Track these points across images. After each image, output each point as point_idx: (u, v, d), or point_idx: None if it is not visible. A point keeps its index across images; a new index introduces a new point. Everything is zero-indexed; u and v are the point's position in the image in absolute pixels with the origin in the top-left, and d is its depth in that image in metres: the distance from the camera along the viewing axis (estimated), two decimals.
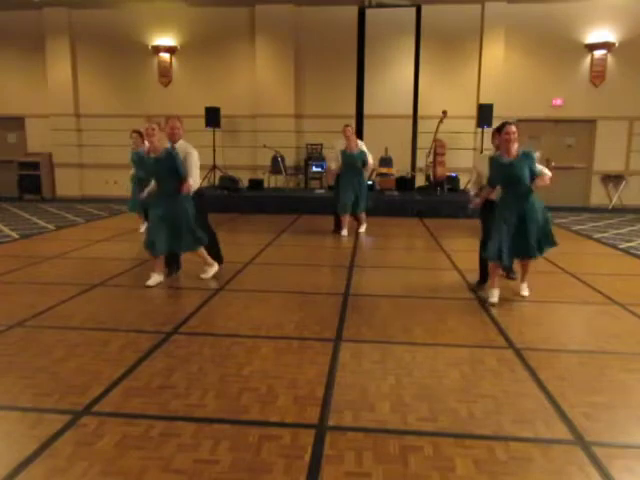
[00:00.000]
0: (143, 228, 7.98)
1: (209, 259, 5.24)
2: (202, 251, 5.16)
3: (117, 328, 3.80)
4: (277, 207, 10.19)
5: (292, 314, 4.15)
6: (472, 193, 5.09)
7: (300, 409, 2.64)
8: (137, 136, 7.51)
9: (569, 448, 2.33)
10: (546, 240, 4.47)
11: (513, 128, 4.30)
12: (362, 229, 8.13)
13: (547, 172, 4.47)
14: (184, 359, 3.24)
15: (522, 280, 4.76)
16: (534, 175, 4.34)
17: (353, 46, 11.05)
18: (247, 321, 3.98)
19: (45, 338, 3.59)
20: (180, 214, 4.88)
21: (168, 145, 4.90)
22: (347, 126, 7.86)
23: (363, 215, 8.12)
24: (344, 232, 7.86)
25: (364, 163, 7.81)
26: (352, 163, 7.71)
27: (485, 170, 4.64)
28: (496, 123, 10.92)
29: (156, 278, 4.97)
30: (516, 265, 4.90)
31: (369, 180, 8.65)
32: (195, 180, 4.92)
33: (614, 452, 2.30)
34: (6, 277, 5.26)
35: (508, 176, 4.33)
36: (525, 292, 4.71)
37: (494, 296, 4.50)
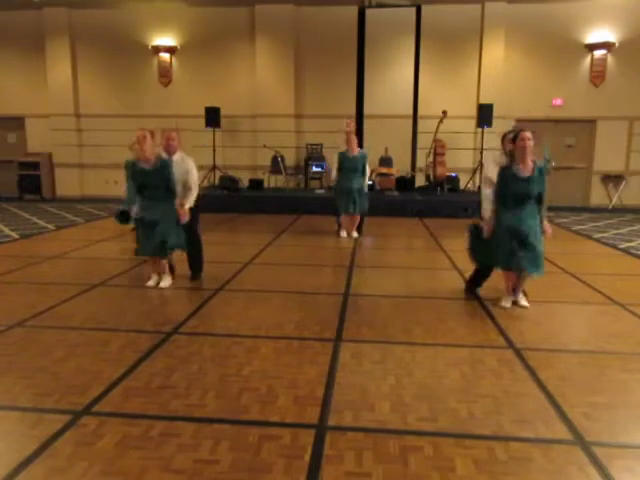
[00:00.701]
0: None
1: (168, 270, 5.04)
2: (172, 258, 5.08)
3: (117, 328, 3.80)
4: (277, 207, 10.19)
5: (292, 314, 4.15)
6: (487, 213, 4.36)
7: (300, 409, 2.64)
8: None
9: (569, 448, 2.33)
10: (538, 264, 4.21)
11: (529, 134, 4.07)
12: (355, 234, 7.81)
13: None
14: (184, 359, 3.24)
15: (517, 291, 4.46)
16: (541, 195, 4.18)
17: (353, 46, 11.05)
18: (247, 321, 3.98)
19: (45, 338, 3.59)
20: (167, 216, 4.76)
21: (161, 154, 4.85)
22: (349, 120, 7.65)
23: (358, 218, 7.83)
24: (343, 233, 7.80)
25: (363, 169, 7.57)
26: (352, 167, 7.49)
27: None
28: (496, 123, 10.97)
29: (155, 279, 4.97)
30: None
31: (369, 180, 8.58)
32: (192, 198, 4.90)
33: (614, 452, 2.30)
34: (6, 277, 5.26)
35: (522, 192, 4.11)
36: (524, 302, 4.43)
37: (507, 302, 4.41)
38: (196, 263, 5.23)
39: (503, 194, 4.23)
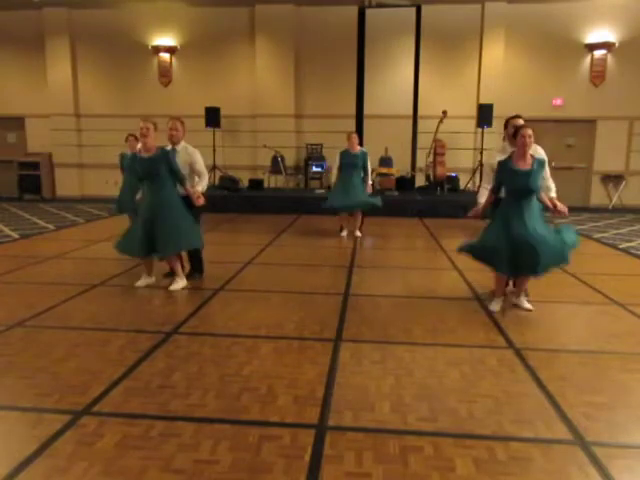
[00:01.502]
0: None
1: (180, 272, 4.93)
2: (177, 261, 4.91)
3: (117, 328, 3.80)
4: (277, 207, 10.19)
5: (292, 314, 4.15)
6: (481, 199, 4.52)
7: (300, 409, 2.64)
8: (133, 139, 7.51)
9: (569, 448, 2.33)
10: (559, 256, 4.10)
11: (529, 131, 4.03)
12: (358, 233, 7.85)
13: (553, 187, 4.34)
14: (184, 359, 3.24)
15: (518, 295, 4.44)
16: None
17: (353, 46, 11.04)
18: (247, 321, 3.98)
19: (45, 338, 3.59)
20: (168, 219, 4.65)
21: (166, 147, 4.83)
22: (353, 133, 7.78)
23: (359, 216, 7.87)
24: (343, 233, 7.87)
25: (364, 166, 7.59)
26: (351, 163, 7.54)
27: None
28: (496, 123, 10.94)
29: (145, 280, 4.95)
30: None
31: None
32: (204, 183, 4.90)
33: (614, 452, 2.30)
34: (6, 277, 5.26)
35: (522, 186, 4.04)
36: (527, 304, 4.38)
37: (495, 305, 4.34)
38: (196, 263, 5.22)
39: (507, 189, 4.17)
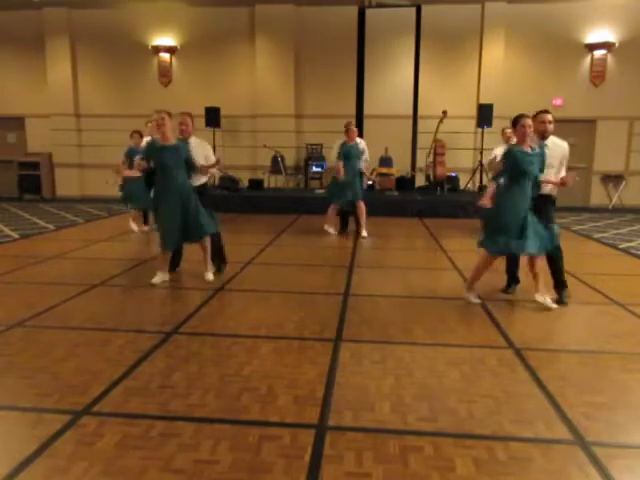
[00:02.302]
0: (135, 227, 7.98)
1: (209, 261, 5.19)
2: (207, 244, 5.11)
3: (117, 328, 3.80)
4: (277, 207, 10.19)
5: (292, 314, 4.15)
6: (493, 186, 4.81)
7: (300, 409, 2.64)
8: (138, 136, 7.57)
9: (569, 448, 2.33)
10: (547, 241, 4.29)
11: (529, 121, 4.20)
12: (364, 233, 7.79)
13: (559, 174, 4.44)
14: (184, 359, 3.24)
15: (536, 289, 4.44)
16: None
17: (353, 46, 11.05)
18: (247, 321, 3.98)
19: (45, 338, 3.59)
20: (193, 204, 4.89)
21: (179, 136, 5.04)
22: (350, 123, 7.82)
23: (362, 206, 7.76)
24: (330, 229, 7.95)
25: (357, 154, 7.64)
26: (349, 153, 7.60)
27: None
28: (496, 123, 10.93)
29: (161, 276, 5.01)
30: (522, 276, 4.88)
31: (369, 180, 8.54)
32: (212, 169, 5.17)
33: (614, 452, 2.30)
34: (6, 277, 5.26)
35: (529, 167, 4.19)
36: (550, 303, 4.34)
37: (472, 297, 4.49)
38: (214, 252, 5.35)
39: (513, 172, 4.26)
